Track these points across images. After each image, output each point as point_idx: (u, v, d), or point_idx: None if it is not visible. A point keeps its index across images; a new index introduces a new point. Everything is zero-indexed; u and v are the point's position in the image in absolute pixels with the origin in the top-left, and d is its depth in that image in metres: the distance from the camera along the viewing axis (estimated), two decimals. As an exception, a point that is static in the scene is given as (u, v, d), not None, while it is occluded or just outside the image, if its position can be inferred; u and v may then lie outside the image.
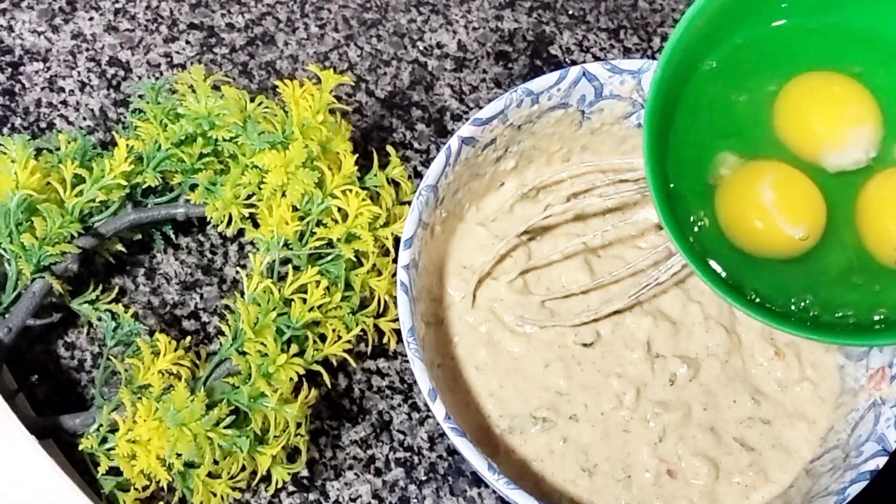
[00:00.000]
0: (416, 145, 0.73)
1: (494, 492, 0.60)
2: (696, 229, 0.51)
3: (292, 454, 0.59)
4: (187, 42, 0.75)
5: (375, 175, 0.63)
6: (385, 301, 0.62)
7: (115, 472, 0.55)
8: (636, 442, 0.58)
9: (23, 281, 0.59)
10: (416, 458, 0.62)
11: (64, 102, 0.71)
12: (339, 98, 0.65)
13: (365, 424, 0.63)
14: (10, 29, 0.74)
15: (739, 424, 0.59)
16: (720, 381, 0.60)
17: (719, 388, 0.60)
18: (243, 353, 0.56)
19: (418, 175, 0.71)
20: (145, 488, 0.55)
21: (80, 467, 0.57)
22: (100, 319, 0.61)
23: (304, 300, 0.58)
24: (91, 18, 0.75)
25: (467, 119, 0.59)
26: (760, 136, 0.52)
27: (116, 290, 0.64)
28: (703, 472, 0.57)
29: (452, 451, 0.62)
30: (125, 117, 0.70)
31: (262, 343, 0.56)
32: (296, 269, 0.60)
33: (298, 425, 0.57)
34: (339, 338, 0.59)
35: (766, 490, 0.57)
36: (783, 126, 0.52)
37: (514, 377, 0.59)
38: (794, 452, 0.58)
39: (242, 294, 0.58)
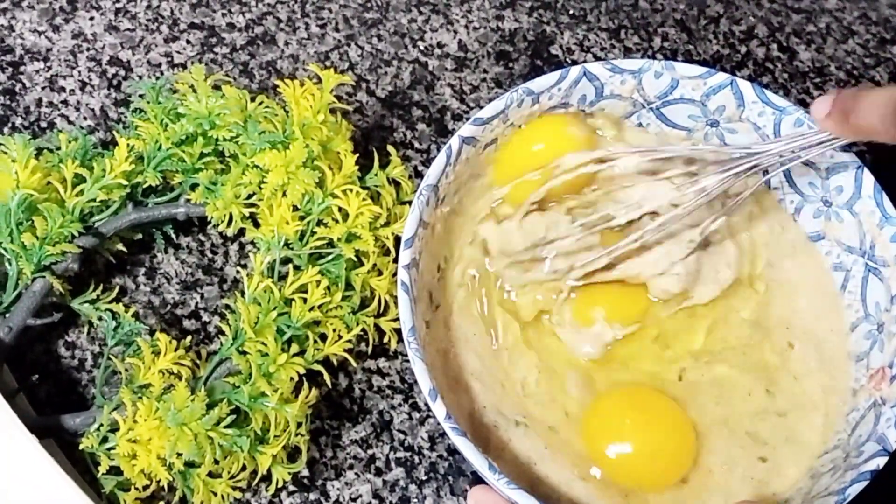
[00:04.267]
0: (416, 145, 0.73)
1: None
2: None
3: (293, 454, 0.59)
4: (188, 42, 0.75)
5: (376, 175, 0.63)
6: (386, 300, 0.62)
7: (115, 471, 0.55)
8: None
9: (23, 280, 0.59)
10: (416, 458, 0.62)
11: (65, 102, 0.71)
12: (339, 98, 0.65)
13: (365, 424, 0.63)
14: (11, 28, 0.74)
15: (753, 417, 0.58)
16: (734, 374, 0.59)
17: (733, 382, 0.59)
18: (244, 353, 0.56)
19: (419, 175, 0.71)
20: (146, 488, 0.55)
21: (81, 467, 0.57)
22: (100, 319, 0.61)
23: (305, 300, 0.58)
24: (92, 18, 0.75)
25: (468, 119, 0.59)
26: None
27: (117, 289, 0.64)
28: (715, 468, 0.56)
29: (453, 451, 0.62)
30: (126, 117, 0.70)
31: (262, 343, 0.56)
32: (296, 268, 0.60)
33: (299, 425, 0.57)
34: (340, 337, 0.59)
35: (777, 484, 0.56)
36: None
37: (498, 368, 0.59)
38: (807, 445, 0.57)
39: (243, 293, 0.59)
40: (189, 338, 0.60)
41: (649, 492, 0.56)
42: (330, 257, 0.61)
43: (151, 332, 0.61)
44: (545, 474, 0.56)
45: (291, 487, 0.60)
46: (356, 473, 0.61)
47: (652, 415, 0.58)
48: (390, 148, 0.65)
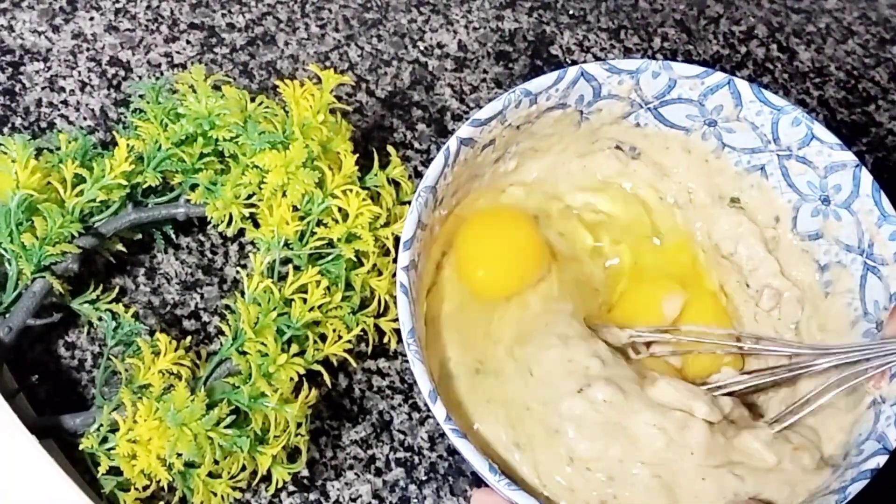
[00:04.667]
0: (416, 145, 0.73)
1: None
2: None
3: (293, 454, 0.59)
4: (188, 42, 0.75)
5: (376, 175, 0.63)
6: (385, 301, 0.62)
7: (115, 471, 0.55)
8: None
9: (23, 281, 0.59)
10: (416, 458, 0.62)
11: (64, 102, 0.71)
12: (339, 98, 0.66)
13: (365, 424, 0.63)
14: (11, 29, 0.74)
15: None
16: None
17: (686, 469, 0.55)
18: (244, 353, 0.56)
19: (419, 175, 0.71)
20: (146, 488, 0.55)
21: (81, 467, 0.57)
22: (100, 319, 0.61)
23: (305, 300, 0.58)
24: (91, 18, 0.75)
25: (468, 119, 0.60)
26: None
27: (117, 289, 0.64)
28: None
29: (453, 451, 0.62)
30: (126, 117, 0.70)
31: (262, 343, 0.56)
32: (296, 268, 0.60)
33: (299, 425, 0.57)
34: (340, 337, 0.59)
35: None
36: None
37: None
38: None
39: (243, 294, 0.59)
40: (189, 338, 0.60)
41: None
42: (330, 257, 0.61)
43: (151, 333, 0.61)
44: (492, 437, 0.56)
45: (291, 488, 0.60)
46: (356, 474, 0.61)
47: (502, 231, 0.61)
48: (390, 148, 0.65)
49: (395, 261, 0.61)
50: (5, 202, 0.58)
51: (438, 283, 0.61)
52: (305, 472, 0.61)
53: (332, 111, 0.63)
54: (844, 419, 0.56)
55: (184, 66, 0.74)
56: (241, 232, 0.64)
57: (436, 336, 0.59)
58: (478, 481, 0.61)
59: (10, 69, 0.72)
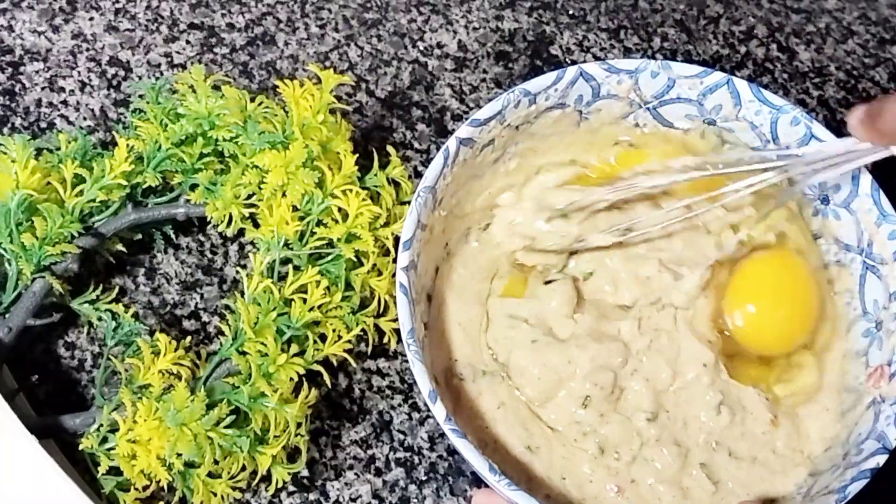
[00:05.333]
0: (416, 145, 0.73)
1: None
2: None
3: (292, 454, 0.59)
4: (187, 42, 0.75)
5: (376, 175, 0.63)
6: (385, 301, 0.62)
7: (115, 471, 0.55)
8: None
9: (23, 281, 0.59)
10: (416, 458, 0.62)
11: (64, 102, 0.71)
12: (339, 98, 0.66)
13: (365, 424, 0.63)
14: (11, 29, 0.74)
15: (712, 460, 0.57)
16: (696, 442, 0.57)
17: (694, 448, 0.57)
18: (243, 353, 0.56)
19: (419, 175, 0.71)
20: (145, 488, 0.55)
21: (81, 467, 0.57)
22: (100, 319, 0.61)
23: (305, 300, 0.58)
24: (91, 18, 0.75)
25: (467, 119, 0.60)
26: None
27: (117, 289, 0.64)
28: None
29: (453, 451, 0.62)
30: (125, 117, 0.70)
31: (262, 343, 0.56)
32: (296, 268, 0.60)
33: (298, 425, 0.57)
34: (340, 338, 0.59)
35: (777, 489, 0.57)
36: None
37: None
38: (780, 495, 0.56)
39: (243, 294, 0.59)
40: (189, 338, 0.60)
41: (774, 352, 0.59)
42: (330, 257, 0.61)
43: (151, 333, 0.61)
44: (502, 434, 0.56)
45: (291, 488, 0.60)
46: (356, 474, 0.61)
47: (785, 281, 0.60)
48: (390, 148, 0.65)
49: (394, 261, 0.61)
50: (5, 202, 0.58)
51: (440, 284, 0.61)
52: (305, 472, 0.61)
53: (332, 111, 0.63)
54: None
55: (184, 66, 0.74)
56: (241, 232, 0.64)
57: (440, 337, 0.59)
58: (478, 481, 0.61)
59: (10, 69, 0.72)
